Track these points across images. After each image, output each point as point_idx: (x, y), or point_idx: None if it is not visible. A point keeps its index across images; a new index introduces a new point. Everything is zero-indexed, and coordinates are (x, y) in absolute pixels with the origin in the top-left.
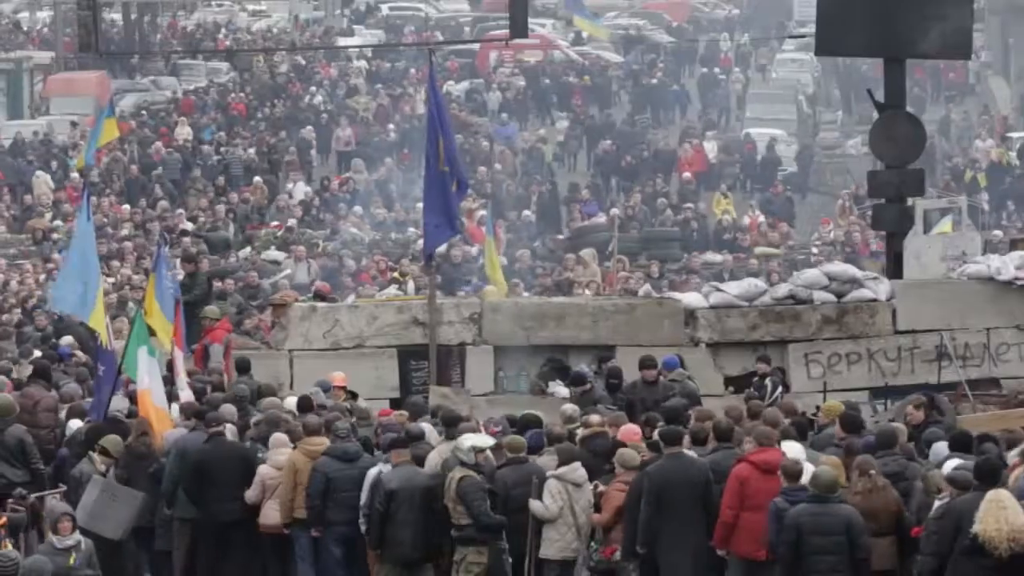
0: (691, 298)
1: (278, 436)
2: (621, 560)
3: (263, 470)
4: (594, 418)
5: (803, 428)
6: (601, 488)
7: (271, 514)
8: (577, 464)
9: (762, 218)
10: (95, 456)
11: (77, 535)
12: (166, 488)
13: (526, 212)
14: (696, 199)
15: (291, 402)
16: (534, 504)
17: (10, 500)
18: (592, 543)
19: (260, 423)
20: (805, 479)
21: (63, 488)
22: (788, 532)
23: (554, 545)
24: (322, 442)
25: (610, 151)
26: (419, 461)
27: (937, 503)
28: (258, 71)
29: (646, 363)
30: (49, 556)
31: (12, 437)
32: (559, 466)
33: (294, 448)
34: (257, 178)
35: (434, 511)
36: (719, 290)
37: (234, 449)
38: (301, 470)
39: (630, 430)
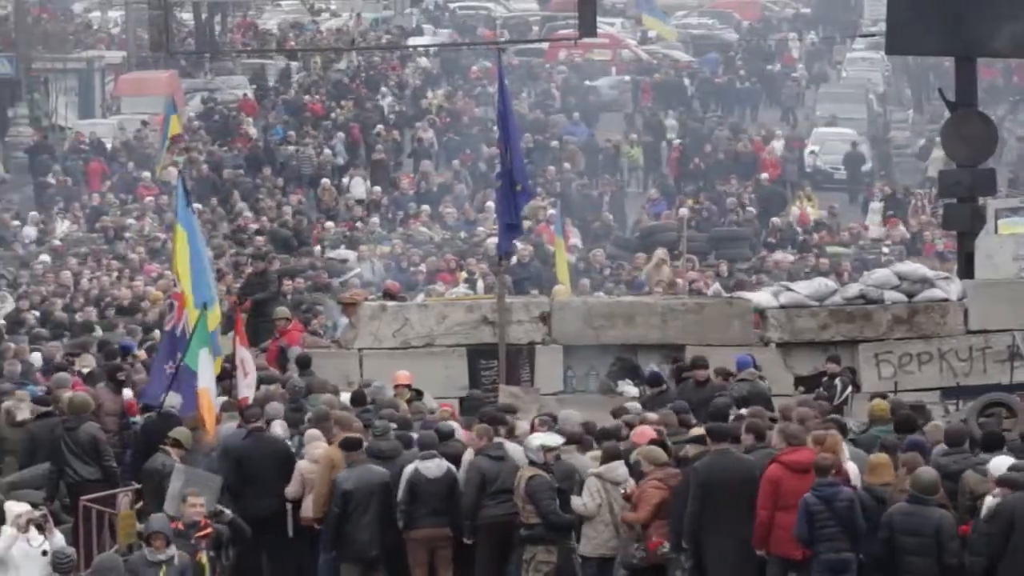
0: (761, 298)
1: (312, 431)
2: (671, 552)
3: (301, 465)
4: (651, 415)
5: (843, 427)
6: (631, 485)
7: (311, 508)
8: (618, 463)
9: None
10: (168, 448)
11: (171, 550)
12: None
13: (604, 213)
14: (778, 202)
15: (345, 397)
16: (574, 501)
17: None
18: (636, 543)
19: (310, 419)
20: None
21: (136, 486)
22: (883, 530)
23: (591, 543)
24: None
25: (680, 150)
26: (452, 459)
27: (989, 502)
28: (318, 70)
29: (697, 363)
30: (141, 569)
31: (85, 434)
32: (601, 464)
33: (330, 443)
34: (325, 180)
35: (391, 510)
36: (789, 290)
37: (273, 444)
38: (337, 465)
39: (643, 431)
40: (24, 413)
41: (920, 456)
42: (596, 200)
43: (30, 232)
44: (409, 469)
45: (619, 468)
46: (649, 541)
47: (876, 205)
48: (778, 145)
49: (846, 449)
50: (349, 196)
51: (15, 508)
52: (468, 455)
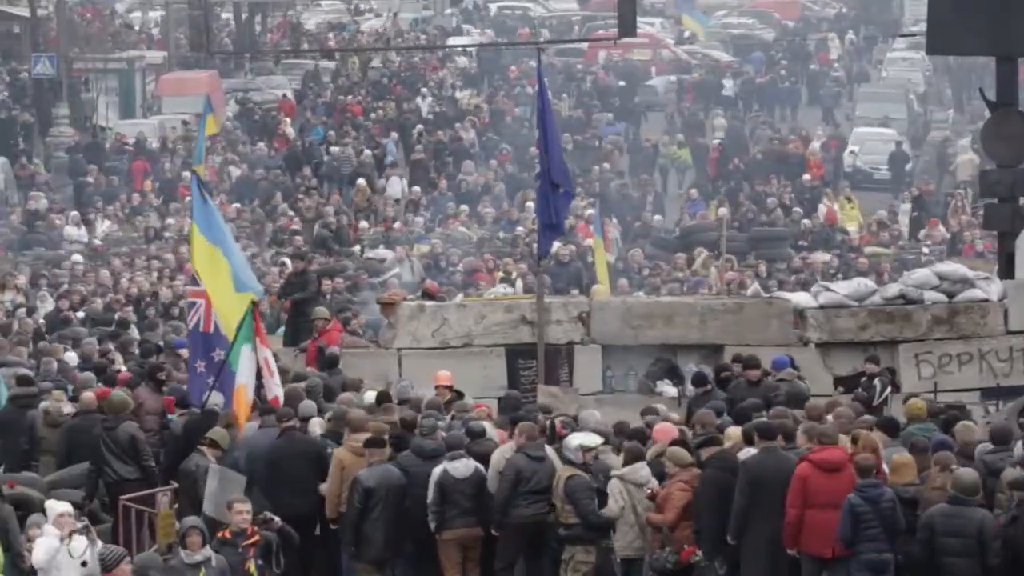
0: (800, 298)
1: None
2: (705, 558)
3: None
4: (674, 415)
5: (894, 427)
6: (653, 485)
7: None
8: (640, 464)
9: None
10: (204, 449)
11: (208, 551)
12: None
13: (644, 212)
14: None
15: (370, 396)
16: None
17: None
18: (666, 548)
19: (329, 419)
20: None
21: (174, 485)
22: (923, 531)
23: (616, 544)
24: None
25: (720, 150)
26: (481, 459)
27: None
28: (357, 70)
29: (749, 363)
30: (181, 571)
31: (124, 433)
32: (623, 465)
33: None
34: (361, 180)
35: (407, 510)
36: (829, 290)
37: (306, 444)
38: (348, 467)
39: (665, 428)
40: (63, 412)
41: (952, 455)
42: (635, 200)
43: (72, 232)
44: (437, 470)
45: (641, 470)
46: (681, 548)
47: (904, 207)
48: (817, 145)
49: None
50: (387, 196)
51: (57, 507)
52: (498, 455)
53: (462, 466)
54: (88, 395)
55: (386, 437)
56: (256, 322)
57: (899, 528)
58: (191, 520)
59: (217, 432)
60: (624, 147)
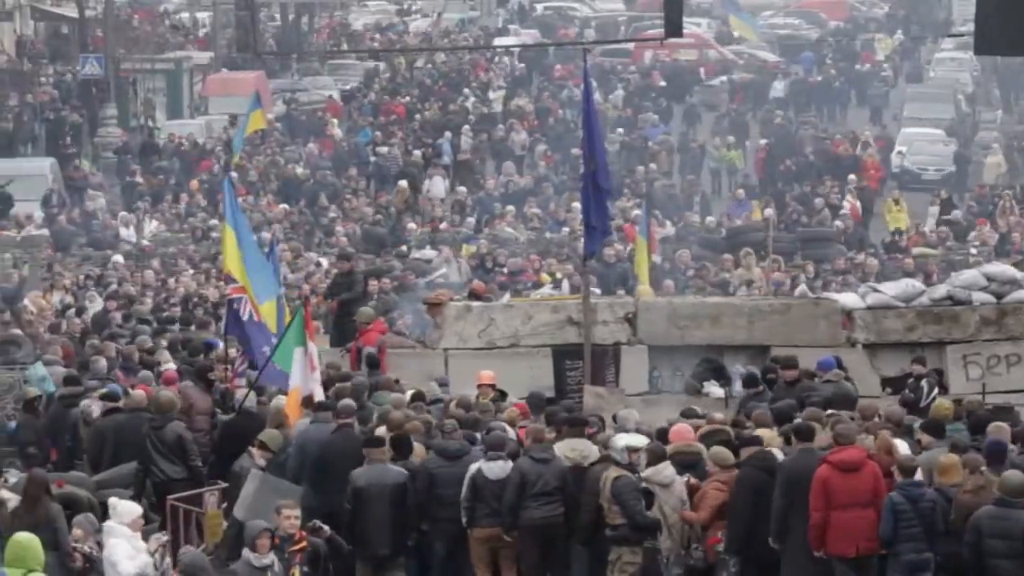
0: (848, 299)
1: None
2: (723, 554)
3: None
4: (718, 415)
5: (940, 428)
6: (693, 481)
7: None
8: (664, 464)
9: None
10: (254, 451)
11: (272, 555)
12: (290, 479)
13: (687, 212)
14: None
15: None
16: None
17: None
18: (695, 545)
19: (378, 418)
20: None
21: (221, 485)
22: (970, 533)
23: None
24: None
25: (767, 150)
26: (514, 457)
27: None
28: (403, 71)
29: (786, 364)
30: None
31: (171, 433)
32: (647, 466)
33: None
34: (402, 181)
35: (404, 508)
36: (876, 291)
37: (357, 441)
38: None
39: (680, 429)
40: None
41: (981, 457)
42: (682, 200)
43: (122, 232)
44: (473, 468)
45: (665, 470)
46: (708, 539)
47: (934, 209)
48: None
49: (901, 448)
50: (431, 196)
51: (133, 510)
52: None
53: (498, 468)
54: (139, 393)
55: (382, 436)
56: (307, 320)
57: (938, 528)
58: (261, 523)
59: (268, 434)
60: (676, 145)
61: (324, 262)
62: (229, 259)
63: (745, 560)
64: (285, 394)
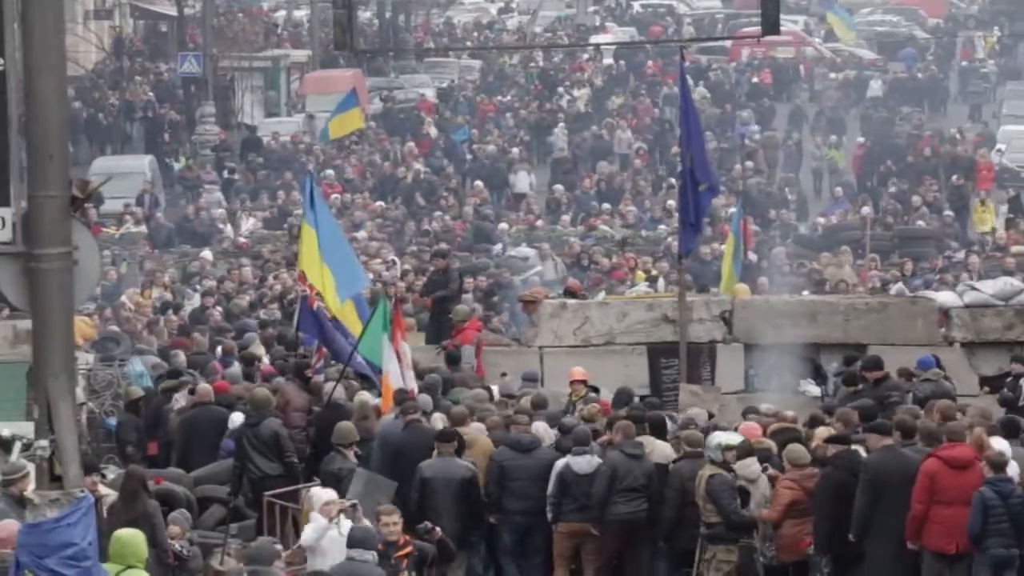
0: (946, 297)
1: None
2: (813, 555)
3: None
4: (788, 413)
5: (1015, 427)
6: (772, 471)
7: None
8: (751, 460)
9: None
10: (344, 450)
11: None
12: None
13: (783, 211)
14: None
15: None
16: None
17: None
18: (768, 542)
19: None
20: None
21: (317, 482)
22: None
23: None
24: (465, 432)
25: (864, 148)
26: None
27: None
28: (499, 68)
29: (870, 364)
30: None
31: (267, 430)
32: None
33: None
34: (478, 182)
35: (470, 501)
36: (974, 289)
37: (429, 436)
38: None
39: (748, 427)
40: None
41: None
42: (778, 199)
43: (225, 228)
44: (560, 463)
45: (752, 465)
46: (796, 541)
47: (1003, 208)
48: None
49: (995, 445)
50: (516, 191)
51: (323, 495)
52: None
53: (585, 462)
54: (204, 387)
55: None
56: (397, 315)
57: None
58: (366, 529)
59: (341, 430)
60: (780, 141)
61: (397, 260)
62: (305, 258)
63: (835, 559)
64: (368, 389)
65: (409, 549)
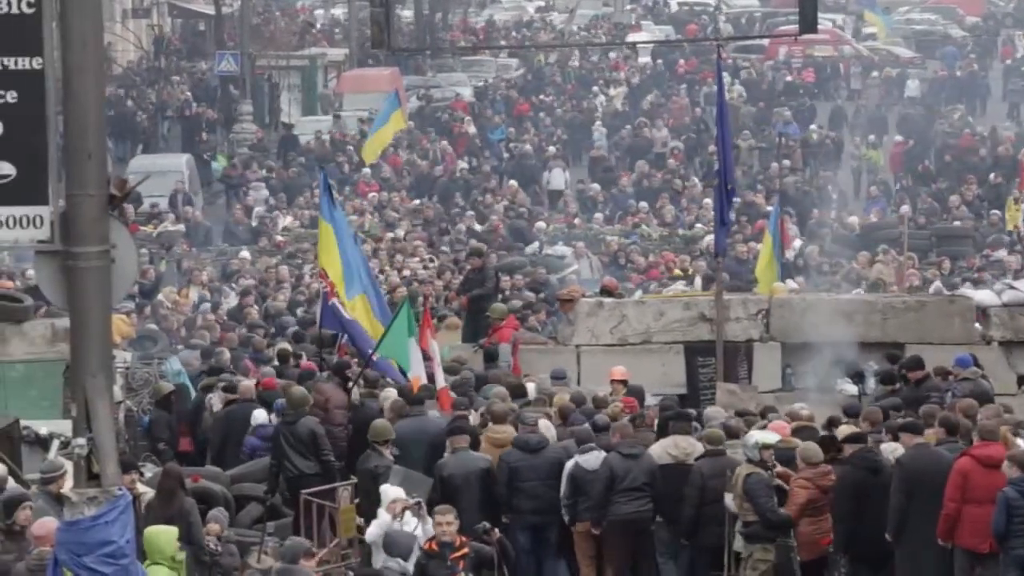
0: (983, 296)
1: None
2: (833, 554)
3: None
4: (804, 412)
5: None
6: (780, 469)
7: None
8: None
9: None
10: (380, 448)
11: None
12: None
13: (821, 210)
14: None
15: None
16: (727, 497)
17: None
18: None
19: (483, 412)
20: None
21: (354, 481)
22: None
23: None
24: (505, 430)
25: (902, 146)
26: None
27: None
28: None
29: (911, 364)
30: None
31: (304, 428)
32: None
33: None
34: (512, 181)
35: (491, 496)
36: (1012, 288)
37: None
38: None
39: (779, 425)
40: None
41: None
42: (815, 197)
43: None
44: (570, 464)
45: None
46: (814, 539)
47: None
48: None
49: (1022, 444)
50: (550, 188)
51: (390, 492)
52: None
53: (593, 458)
54: (246, 384)
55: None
56: (426, 315)
57: None
58: (408, 534)
59: (376, 427)
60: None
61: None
62: (324, 255)
63: (854, 558)
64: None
65: (465, 551)
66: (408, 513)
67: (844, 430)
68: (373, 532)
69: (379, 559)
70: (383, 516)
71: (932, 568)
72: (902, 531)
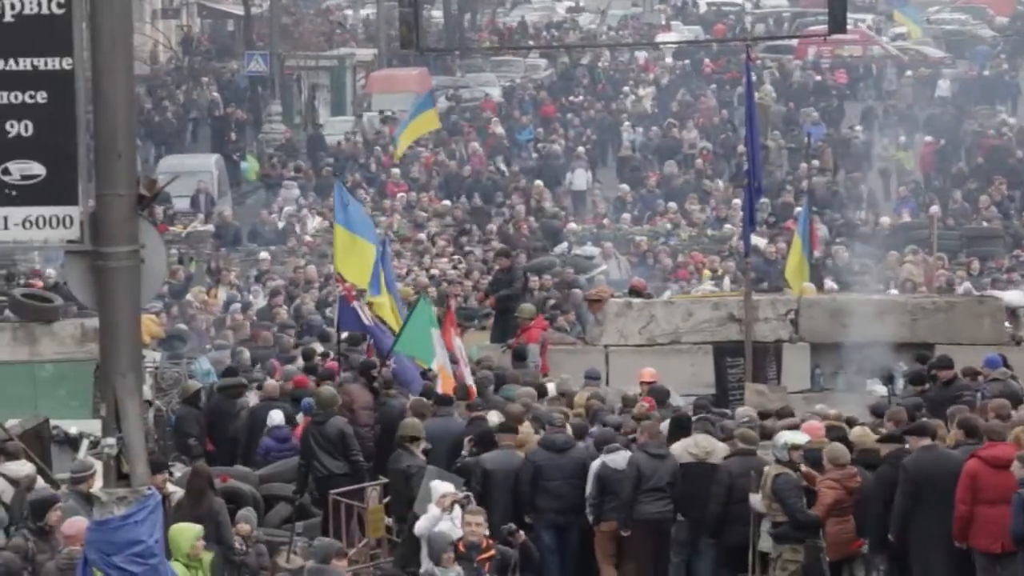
0: (1013, 296)
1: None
2: (869, 553)
3: None
4: (831, 411)
5: None
6: (805, 469)
7: None
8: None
9: None
10: (409, 446)
11: (458, 567)
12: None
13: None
14: None
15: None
16: (753, 497)
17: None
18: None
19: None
20: None
21: (384, 480)
22: None
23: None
24: (523, 431)
25: (935, 146)
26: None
27: None
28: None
29: (941, 364)
30: None
31: (333, 428)
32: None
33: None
34: (538, 181)
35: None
36: None
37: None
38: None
39: (811, 425)
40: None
41: None
42: (844, 198)
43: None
44: (596, 464)
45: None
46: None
47: None
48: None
49: None
50: (572, 189)
51: (440, 488)
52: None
53: (620, 458)
54: (272, 383)
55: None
56: (449, 314)
57: None
58: (447, 535)
59: (407, 426)
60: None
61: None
62: (340, 259)
63: (891, 558)
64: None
65: (492, 553)
66: (457, 507)
67: (858, 432)
68: (422, 526)
69: (425, 553)
70: (432, 510)
71: (942, 569)
72: (905, 532)
